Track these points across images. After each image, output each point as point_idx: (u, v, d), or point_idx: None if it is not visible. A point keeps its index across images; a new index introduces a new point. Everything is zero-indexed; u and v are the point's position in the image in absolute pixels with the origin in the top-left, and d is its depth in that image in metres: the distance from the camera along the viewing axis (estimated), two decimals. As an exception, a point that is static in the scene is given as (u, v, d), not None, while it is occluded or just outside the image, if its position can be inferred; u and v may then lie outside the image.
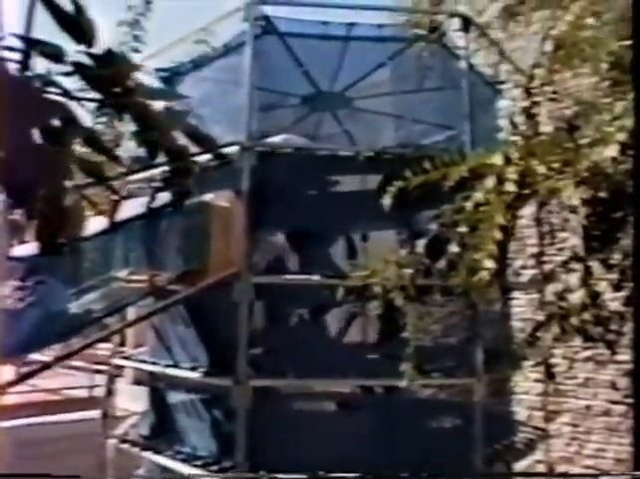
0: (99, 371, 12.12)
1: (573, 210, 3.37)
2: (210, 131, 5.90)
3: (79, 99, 1.41)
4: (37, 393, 13.04)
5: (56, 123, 1.34)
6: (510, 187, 3.64)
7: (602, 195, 3.57)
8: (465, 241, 3.67)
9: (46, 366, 4.33)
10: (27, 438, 9.69)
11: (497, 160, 3.55)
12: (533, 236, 7.82)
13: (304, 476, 4.20)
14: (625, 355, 7.16)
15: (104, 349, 8.74)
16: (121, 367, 11.87)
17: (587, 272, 3.35)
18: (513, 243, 8.11)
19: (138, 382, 8.43)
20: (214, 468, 5.05)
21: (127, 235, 5.33)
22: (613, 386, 7.24)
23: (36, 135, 1.32)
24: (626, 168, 3.38)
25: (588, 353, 7.37)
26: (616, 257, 3.99)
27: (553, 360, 7.49)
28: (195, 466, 5.16)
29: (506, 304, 6.98)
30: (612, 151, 3.02)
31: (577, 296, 3.57)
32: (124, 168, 5.01)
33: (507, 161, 3.66)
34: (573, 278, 3.41)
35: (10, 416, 11.09)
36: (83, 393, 12.96)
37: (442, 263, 3.67)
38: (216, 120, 5.73)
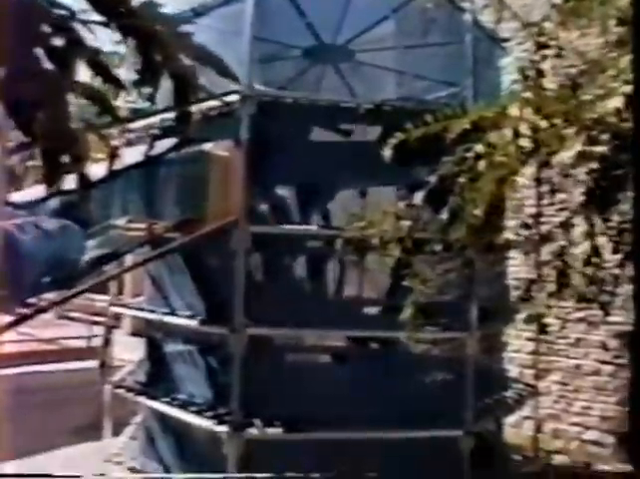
0: (97, 322, 12.25)
1: (576, 161, 3.36)
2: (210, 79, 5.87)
3: (83, 21, 1.39)
4: (35, 343, 13.21)
5: (60, 43, 1.33)
6: (524, 142, 3.61)
7: (604, 150, 3.55)
8: (464, 194, 3.67)
9: (41, 310, 4.35)
10: (26, 386, 9.82)
11: (514, 111, 3.51)
12: (532, 196, 7.82)
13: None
14: (617, 317, 7.27)
15: (102, 301, 8.82)
16: (118, 318, 12.00)
17: (590, 226, 3.35)
18: (511, 203, 8.13)
19: (135, 333, 8.52)
20: (209, 414, 5.14)
21: (125, 183, 5.32)
22: (604, 347, 7.35)
23: (40, 55, 1.30)
24: (629, 125, 3.37)
25: (581, 314, 7.45)
26: (615, 220, 4.01)
27: (547, 319, 7.58)
28: (191, 412, 5.26)
29: (503, 263, 7.02)
30: (617, 102, 3.00)
31: (581, 250, 3.59)
32: (127, 94, 4.94)
33: (509, 114, 3.62)
34: (577, 232, 3.42)
35: (9, 364, 11.25)
36: (81, 344, 13.09)
37: (440, 216, 3.68)
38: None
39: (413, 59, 6.92)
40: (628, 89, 2.93)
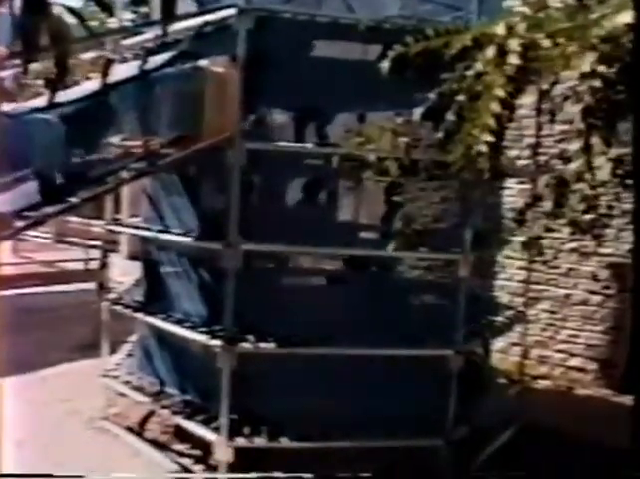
0: (94, 246, 12.34)
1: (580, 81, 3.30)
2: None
3: None
4: (34, 266, 13.37)
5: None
6: (514, 59, 3.55)
7: (607, 71, 3.49)
8: (462, 112, 3.63)
9: (37, 222, 4.35)
10: (26, 306, 10.01)
11: (500, 29, 3.45)
12: (532, 126, 7.75)
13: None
14: (609, 249, 7.35)
15: (98, 225, 8.86)
16: (115, 243, 12.06)
17: (587, 144, 3.33)
18: (510, 132, 8.07)
19: (132, 257, 8.59)
20: (204, 330, 5.24)
21: (120, 99, 5.23)
22: (594, 278, 7.45)
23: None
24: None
25: (574, 245, 7.52)
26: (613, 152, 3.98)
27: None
28: (186, 328, 5.36)
29: (499, 192, 7.03)
30: (626, 17, 2.93)
31: (575, 165, 3.59)
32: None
33: (510, 31, 3.55)
34: (573, 146, 3.40)
35: (9, 286, 11.42)
36: (79, 267, 13.24)
37: (438, 133, 3.65)
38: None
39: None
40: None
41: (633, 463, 2.49)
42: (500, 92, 3.54)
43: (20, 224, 4.50)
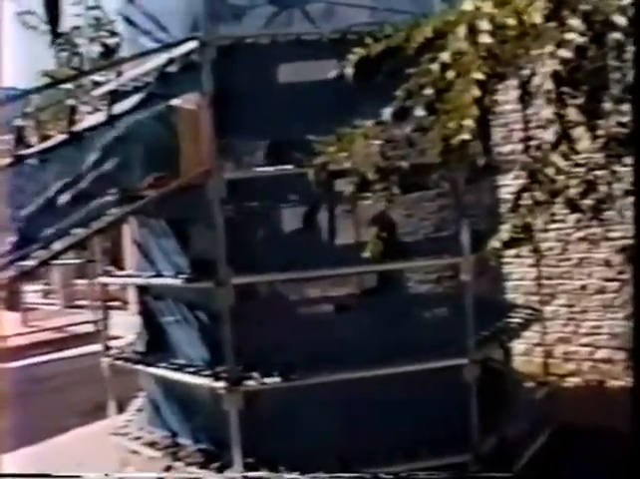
0: (108, 307, 12.25)
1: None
2: (168, 31, 5.64)
3: None
4: (44, 333, 13.28)
5: None
6: (485, 38, 3.37)
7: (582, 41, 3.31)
8: (433, 105, 3.46)
9: (26, 272, 4.23)
10: (38, 375, 9.92)
11: (467, 5, 3.28)
12: (520, 120, 7.60)
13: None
14: (618, 232, 7.09)
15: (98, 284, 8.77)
16: (126, 301, 11.92)
17: (558, 113, 3.14)
18: (500, 130, 7.91)
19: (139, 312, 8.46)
20: (207, 373, 5.04)
21: (90, 147, 5.14)
22: (607, 264, 7.19)
23: None
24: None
25: (581, 234, 7.28)
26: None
27: (547, 244, 7.42)
28: (189, 373, 5.16)
29: (495, 191, 6.82)
30: None
31: (556, 154, 3.39)
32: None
33: (477, 10, 3.38)
34: (545, 113, 3.21)
35: (22, 356, 11.36)
36: (89, 328, 13.10)
37: (409, 130, 3.47)
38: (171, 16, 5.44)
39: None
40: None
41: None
42: (478, 75, 3.35)
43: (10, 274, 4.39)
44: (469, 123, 3.30)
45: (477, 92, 3.33)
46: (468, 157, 3.71)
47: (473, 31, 3.34)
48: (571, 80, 3.18)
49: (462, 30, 3.19)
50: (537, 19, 3.00)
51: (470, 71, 3.34)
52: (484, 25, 3.33)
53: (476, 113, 3.34)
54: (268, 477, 4.54)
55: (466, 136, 3.35)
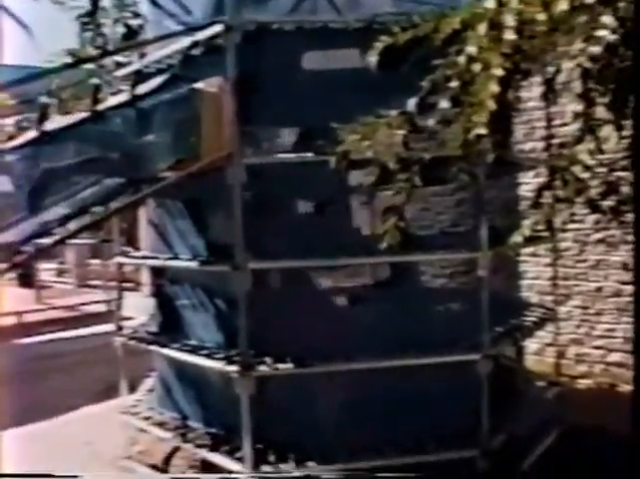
0: (123, 288, 12.36)
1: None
2: (192, 13, 5.64)
3: None
4: (57, 311, 13.42)
5: None
6: (508, 34, 3.33)
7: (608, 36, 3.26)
8: (458, 98, 3.43)
9: (42, 250, 4.27)
10: (50, 352, 10.02)
11: (490, 3, 3.25)
12: (543, 118, 7.53)
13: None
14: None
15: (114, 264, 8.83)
16: (136, 282, 11.98)
17: (586, 111, 3.10)
18: (522, 127, 7.84)
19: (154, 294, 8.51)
20: (219, 356, 5.06)
21: (113, 127, 5.16)
22: (624, 267, 7.12)
23: None
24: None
25: (600, 235, 7.22)
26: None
27: (565, 244, 7.37)
28: (202, 356, 5.18)
29: (516, 188, 6.76)
30: None
31: (581, 148, 3.35)
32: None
33: (501, 5, 3.34)
34: (568, 109, 3.17)
35: (35, 332, 11.50)
36: (101, 308, 13.22)
37: (433, 121, 3.44)
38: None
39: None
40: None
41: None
42: (498, 71, 3.32)
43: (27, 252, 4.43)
44: (484, 118, 3.28)
45: (495, 88, 3.30)
46: (484, 151, 3.69)
47: (496, 27, 3.30)
48: (600, 77, 3.14)
49: (482, 27, 3.15)
50: (564, 6, 2.95)
51: (490, 66, 3.31)
52: (510, 21, 3.29)
53: (493, 108, 3.31)
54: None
55: (481, 130, 3.33)
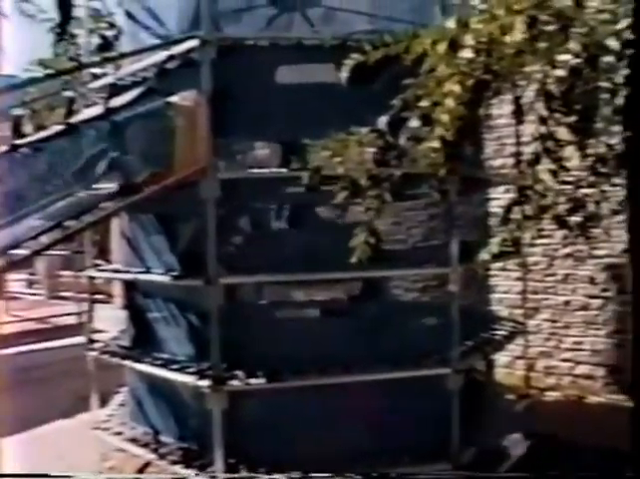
0: (94, 300, 12.21)
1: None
2: (168, 27, 5.66)
3: None
4: (27, 323, 13.17)
5: None
6: (466, 53, 3.42)
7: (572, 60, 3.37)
8: (429, 117, 3.51)
9: (12, 265, 4.23)
10: (19, 365, 9.82)
11: (450, 23, 3.34)
12: (512, 135, 7.67)
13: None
14: (604, 250, 7.19)
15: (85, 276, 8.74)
16: (110, 294, 11.84)
17: (551, 139, 3.20)
18: (492, 144, 7.98)
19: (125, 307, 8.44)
20: (191, 370, 5.05)
21: (88, 140, 5.14)
22: (592, 281, 7.28)
23: None
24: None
25: (567, 250, 7.36)
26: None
27: (533, 258, 7.50)
28: (173, 370, 5.16)
29: (484, 203, 6.88)
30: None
31: (543, 168, 3.45)
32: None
33: (464, 26, 3.43)
34: (527, 130, 3.26)
35: (4, 345, 11.25)
36: (72, 320, 13.02)
37: (403, 140, 3.52)
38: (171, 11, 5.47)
39: (385, 1, 6.68)
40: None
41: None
42: (454, 87, 3.40)
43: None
44: (440, 131, 3.36)
45: (451, 103, 3.39)
46: (455, 169, 3.76)
47: (455, 46, 3.39)
48: (564, 99, 3.24)
49: (442, 46, 3.25)
50: (517, 37, 3.07)
51: (444, 83, 3.39)
52: (469, 40, 3.39)
53: (448, 122, 3.39)
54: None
55: (435, 143, 3.40)
